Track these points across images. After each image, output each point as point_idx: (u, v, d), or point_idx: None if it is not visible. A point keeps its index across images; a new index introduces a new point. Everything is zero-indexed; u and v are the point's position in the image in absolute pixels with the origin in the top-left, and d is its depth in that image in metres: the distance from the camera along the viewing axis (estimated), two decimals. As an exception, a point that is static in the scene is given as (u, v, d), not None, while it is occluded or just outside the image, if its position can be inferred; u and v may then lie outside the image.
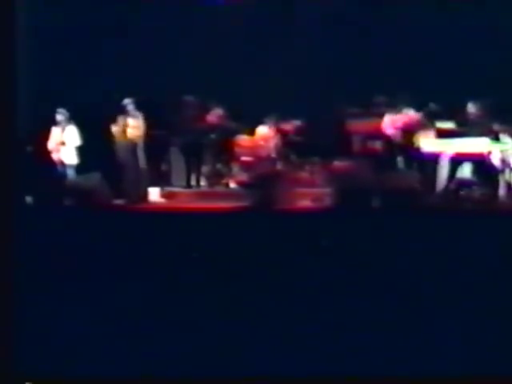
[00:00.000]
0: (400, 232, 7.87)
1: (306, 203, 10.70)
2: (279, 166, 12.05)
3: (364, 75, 12.23)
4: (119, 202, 11.21)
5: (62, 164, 11.80)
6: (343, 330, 5.67)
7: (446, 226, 7.98)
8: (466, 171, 10.91)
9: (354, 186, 10.39)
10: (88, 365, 5.21)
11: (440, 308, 6.06)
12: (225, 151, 12.45)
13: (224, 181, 12.51)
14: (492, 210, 10.26)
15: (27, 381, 5.07)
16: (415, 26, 12.44)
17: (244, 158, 12.18)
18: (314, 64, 12.62)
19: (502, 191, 10.74)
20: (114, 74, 12.05)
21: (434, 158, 10.99)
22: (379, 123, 11.62)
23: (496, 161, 10.76)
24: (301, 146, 12.21)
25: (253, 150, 12.14)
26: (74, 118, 11.78)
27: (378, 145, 11.80)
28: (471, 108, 10.97)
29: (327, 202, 10.53)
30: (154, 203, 11.69)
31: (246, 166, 12.11)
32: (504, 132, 10.83)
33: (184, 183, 12.53)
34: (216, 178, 12.56)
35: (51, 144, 11.84)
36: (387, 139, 11.63)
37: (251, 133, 12.34)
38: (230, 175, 12.44)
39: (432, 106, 11.38)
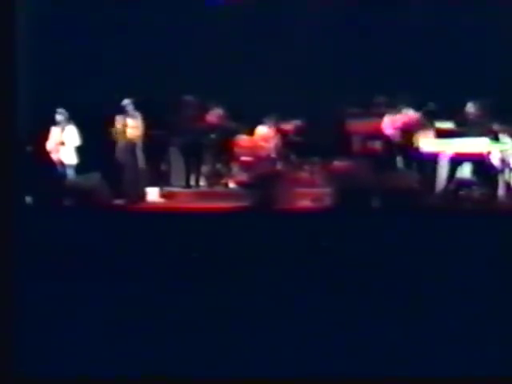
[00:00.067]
0: (400, 232, 7.87)
1: (305, 203, 10.70)
2: (279, 166, 12.06)
3: (364, 75, 12.25)
4: (119, 201, 11.21)
5: (62, 164, 11.81)
6: (343, 330, 5.67)
7: (445, 226, 7.99)
8: (465, 171, 10.91)
9: (353, 186, 10.39)
10: (88, 365, 5.20)
11: (440, 308, 6.05)
12: (224, 151, 12.44)
13: (223, 181, 12.51)
14: (491, 209, 10.26)
15: (27, 381, 5.07)
16: (415, 25, 12.46)
17: (244, 158, 12.18)
18: (314, 64, 12.62)
19: (501, 191, 10.75)
20: (114, 74, 12.06)
21: (434, 158, 10.99)
22: (379, 123, 11.62)
23: (495, 161, 10.76)
24: (301, 146, 12.21)
25: (252, 150, 12.14)
26: (73, 118, 11.79)
27: (377, 145, 11.81)
28: (471, 108, 10.97)
29: (327, 202, 10.53)
30: (154, 203, 11.70)
31: (245, 166, 12.11)
32: (503, 132, 10.83)
33: (183, 183, 12.53)
34: (215, 178, 12.55)
35: (51, 144, 11.85)
36: (387, 139, 11.64)
37: (251, 133, 12.34)
38: (230, 175, 12.43)
39: (431, 105, 11.38)
